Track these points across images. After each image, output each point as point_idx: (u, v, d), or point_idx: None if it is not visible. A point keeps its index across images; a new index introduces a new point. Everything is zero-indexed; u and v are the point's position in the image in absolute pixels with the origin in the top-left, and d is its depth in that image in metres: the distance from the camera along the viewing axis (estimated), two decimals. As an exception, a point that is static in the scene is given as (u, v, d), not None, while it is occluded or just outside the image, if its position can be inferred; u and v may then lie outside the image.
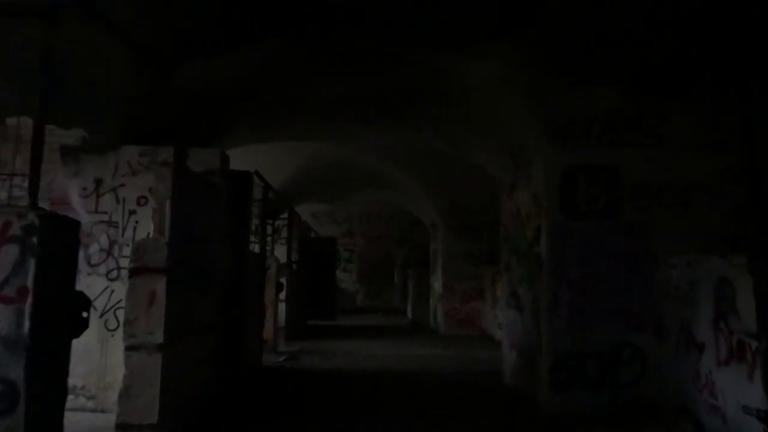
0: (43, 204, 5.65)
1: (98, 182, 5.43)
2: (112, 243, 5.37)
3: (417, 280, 16.69)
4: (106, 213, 5.41)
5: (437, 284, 13.56)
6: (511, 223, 6.98)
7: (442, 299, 13.02)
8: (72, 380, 5.44)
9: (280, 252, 12.11)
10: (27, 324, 2.84)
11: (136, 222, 5.36)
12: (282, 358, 8.92)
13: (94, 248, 5.36)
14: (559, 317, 5.56)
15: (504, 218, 7.36)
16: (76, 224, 3.45)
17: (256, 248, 8.59)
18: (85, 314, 3.36)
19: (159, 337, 4.10)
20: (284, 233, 12.64)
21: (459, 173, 11.82)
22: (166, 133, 5.72)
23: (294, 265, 12.54)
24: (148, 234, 4.35)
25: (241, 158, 8.04)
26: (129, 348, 4.09)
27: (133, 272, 4.17)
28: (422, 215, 15.06)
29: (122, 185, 5.42)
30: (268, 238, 12.52)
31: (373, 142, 10.09)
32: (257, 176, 7.54)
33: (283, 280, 11.42)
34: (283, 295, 11.52)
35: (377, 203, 18.24)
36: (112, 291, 5.28)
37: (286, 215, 12.54)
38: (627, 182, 5.70)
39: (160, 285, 4.14)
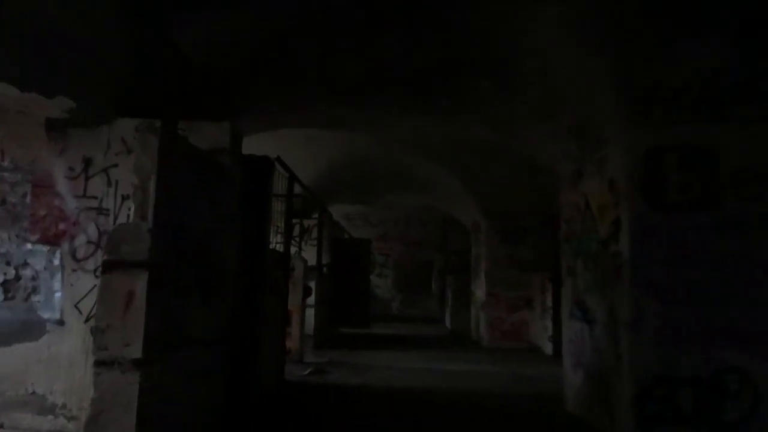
0: (24, 187, 4.92)
1: (87, 162, 4.58)
2: (101, 234, 4.50)
3: (456, 288, 15.60)
4: (95, 198, 4.55)
5: (480, 292, 12.44)
6: (576, 219, 5.87)
7: (485, 308, 11.88)
8: (52, 397, 4.67)
9: (310, 254, 11.22)
10: None
11: (130, 209, 4.49)
12: (307, 371, 7.99)
13: (80, 240, 4.50)
14: (643, 333, 4.44)
15: (566, 214, 6.25)
16: None
17: (280, 248, 7.72)
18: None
19: (137, 350, 3.19)
20: (314, 234, 11.77)
21: (504, 169, 10.72)
22: (170, 108, 4.87)
23: (324, 268, 11.64)
24: (128, 217, 3.46)
25: (261, 149, 7.17)
26: (99, 364, 3.20)
27: (107, 267, 3.28)
28: (463, 217, 13.96)
29: (115, 165, 4.55)
30: (296, 238, 11.68)
31: (408, 134, 9.10)
32: (279, 164, 6.65)
33: (311, 283, 10.53)
34: (311, 300, 10.64)
35: (414, 207, 17.23)
36: (102, 291, 4.42)
37: (316, 216, 11.68)
38: (729, 167, 4.55)
39: (140, 283, 3.23)
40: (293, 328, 8.90)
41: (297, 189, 8.57)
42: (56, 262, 4.49)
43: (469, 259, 17.37)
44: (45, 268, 4.46)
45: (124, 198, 4.52)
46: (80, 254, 4.51)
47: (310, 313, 10.53)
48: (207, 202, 4.28)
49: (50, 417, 4.45)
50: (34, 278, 4.47)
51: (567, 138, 5.71)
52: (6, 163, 4.64)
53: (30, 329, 4.35)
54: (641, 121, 4.55)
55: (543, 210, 11.60)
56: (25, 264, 4.48)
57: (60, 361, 4.44)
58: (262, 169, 6.09)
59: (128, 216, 4.46)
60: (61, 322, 4.33)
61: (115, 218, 4.54)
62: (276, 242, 8.15)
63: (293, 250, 11.28)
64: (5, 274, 4.46)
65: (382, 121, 8.30)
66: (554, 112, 5.61)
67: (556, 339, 10.30)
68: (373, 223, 18.89)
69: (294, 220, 12.18)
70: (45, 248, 4.49)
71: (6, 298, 4.43)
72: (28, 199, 4.61)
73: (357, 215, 18.47)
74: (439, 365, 9.06)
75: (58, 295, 4.41)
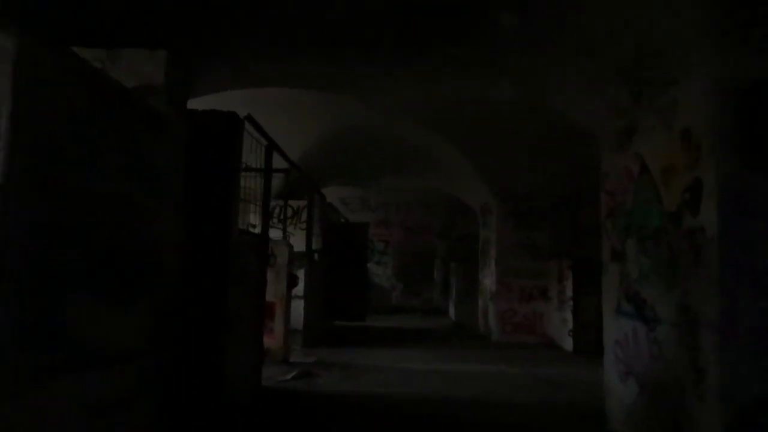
0: None
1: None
2: None
3: (461, 277, 14.40)
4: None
5: (488, 280, 11.20)
6: (625, 189, 4.60)
7: (495, 299, 10.65)
8: None
9: (301, 239, 9.98)
10: None
11: None
12: (291, 375, 6.76)
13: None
14: (739, 340, 3.19)
15: (609, 184, 4.97)
16: None
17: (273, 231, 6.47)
18: None
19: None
20: (305, 216, 10.53)
21: (520, 142, 9.44)
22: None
23: (315, 255, 10.39)
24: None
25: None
26: None
27: None
28: (471, 199, 12.68)
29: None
30: (281, 221, 10.44)
31: (408, 98, 7.80)
32: (251, 124, 5.36)
33: (299, 272, 9.30)
34: (299, 291, 9.40)
35: (415, 189, 15.93)
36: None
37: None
38: None
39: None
40: (276, 323, 7.68)
41: (281, 165, 7.31)
42: None
43: (475, 245, 16.13)
44: None
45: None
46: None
47: (297, 305, 9.30)
48: (128, 161, 3.02)
49: None
50: None
51: (615, 83, 4.43)
52: None
53: None
54: (737, 43, 3.26)
55: (561, 190, 10.34)
56: None
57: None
58: (227, 130, 4.82)
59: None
60: None
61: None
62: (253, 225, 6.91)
63: (279, 234, 10.05)
64: None
65: (381, 81, 6.99)
66: (600, 47, 4.32)
67: (578, 334, 9.09)
68: (372, 208, 17.61)
69: (281, 202, 10.96)
70: None
71: None
72: None
73: (354, 199, 17.20)
74: (445, 365, 7.84)
75: None
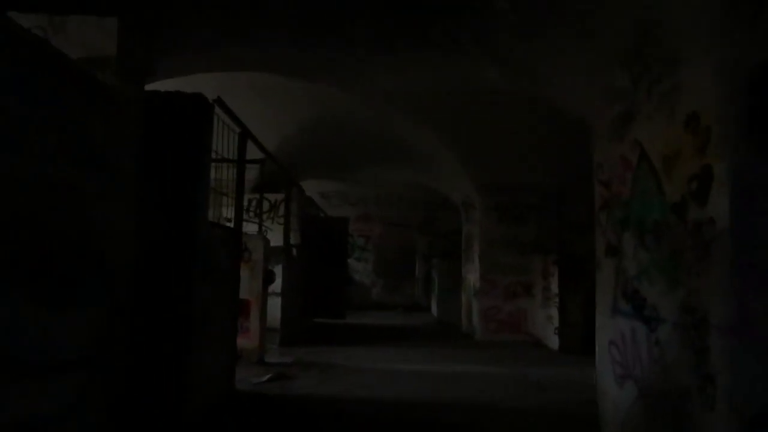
0: None
1: None
2: None
3: (444, 273, 14.14)
4: None
5: (472, 276, 10.93)
6: (620, 180, 4.31)
7: (478, 295, 10.38)
8: None
9: (277, 234, 9.59)
10: None
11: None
12: (266, 377, 6.39)
13: None
14: (753, 343, 2.92)
15: (604, 175, 4.69)
16: None
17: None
18: None
19: None
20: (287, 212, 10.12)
21: (505, 133, 9.17)
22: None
23: (294, 250, 10.01)
24: None
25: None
26: None
27: None
28: (453, 192, 12.38)
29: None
30: (256, 213, 10.06)
31: (391, 87, 7.45)
32: (221, 107, 4.96)
33: (276, 268, 8.93)
34: (276, 288, 9.03)
35: (396, 183, 15.61)
36: None
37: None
38: None
39: None
40: (251, 322, 7.30)
41: (257, 156, 6.92)
42: None
43: (457, 241, 15.90)
44: None
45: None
46: None
47: (274, 303, 8.93)
48: (66, 140, 2.62)
49: None
50: None
51: (615, 66, 4.13)
52: None
53: None
54: (749, 20, 2.98)
55: (546, 184, 10.10)
56: None
57: None
58: (195, 113, 4.43)
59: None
60: None
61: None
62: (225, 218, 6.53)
63: (256, 228, 9.66)
64: None
65: (357, 67, 6.63)
66: (599, 28, 4.02)
67: (564, 332, 8.86)
68: (352, 202, 17.24)
69: (257, 195, 10.55)
70: None
71: None
72: None
73: (333, 193, 16.82)
74: (429, 365, 7.53)
75: None
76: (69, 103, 2.58)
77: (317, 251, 11.08)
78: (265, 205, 10.59)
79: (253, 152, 7.25)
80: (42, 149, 2.34)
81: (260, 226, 7.61)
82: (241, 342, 7.20)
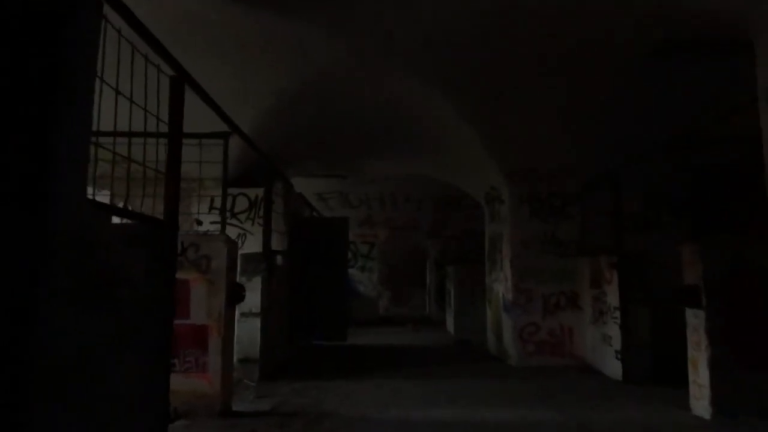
0: None
1: None
2: None
3: (460, 282, 12.12)
4: None
5: (501, 286, 8.87)
6: None
7: (511, 310, 8.32)
8: None
9: (260, 238, 7.60)
10: None
11: None
12: (225, 442, 4.36)
13: None
14: None
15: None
16: None
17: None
18: None
19: None
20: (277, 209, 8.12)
21: (541, 104, 7.18)
22: None
23: (278, 258, 8.01)
24: None
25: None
26: None
27: None
28: (472, 185, 10.32)
29: None
30: (233, 214, 8.14)
31: (401, 35, 5.51)
32: (122, 14, 2.96)
33: (254, 280, 6.96)
34: (257, 306, 7.04)
35: (403, 179, 13.62)
36: None
37: (281, 186, 8.02)
38: None
39: None
40: (210, 357, 5.26)
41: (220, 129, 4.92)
42: None
43: (474, 244, 13.89)
44: None
45: None
46: None
47: (251, 325, 6.94)
48: None
49: None
50: None
51: None
52: None
53: None
54: None
55: (594, 167, 8.05)
56: None
57: None
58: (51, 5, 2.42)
59: None
60: None
61: None
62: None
63: (236, 230, 7.70)
64: None
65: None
66: None
67: (629, 356, 6.81)
68: (353, 204, 15.21)
69: (234, 190, 8.59)
70: None
71: None
72: None
73: (332, 194, 14.82)
74: (456, 410, 5.47)
75: None
76: None
77: (310, 258, 9.06)
78: (245, 203, 8.62)
79: (213, 124, 5.29)
80: None
81: (223, 224, 5.61)
82: (196, 386, 5.20)
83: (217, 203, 8.78)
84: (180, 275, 5.33)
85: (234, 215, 8.58)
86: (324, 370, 7.67)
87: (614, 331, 7.06)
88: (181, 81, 3.99)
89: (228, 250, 5.46)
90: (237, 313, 7.19)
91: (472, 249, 14.06)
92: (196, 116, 4.45)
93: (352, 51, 5.90)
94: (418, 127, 8.19)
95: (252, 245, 8.10)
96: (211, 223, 8.13)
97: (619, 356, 6.91)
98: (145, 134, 3.43)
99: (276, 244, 8.24)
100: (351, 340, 10.28)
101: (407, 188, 14.68)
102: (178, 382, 5.11)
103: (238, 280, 7.13)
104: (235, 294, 5.52)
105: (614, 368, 7.03)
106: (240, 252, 7.62)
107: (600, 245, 7.75)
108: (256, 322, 7.06)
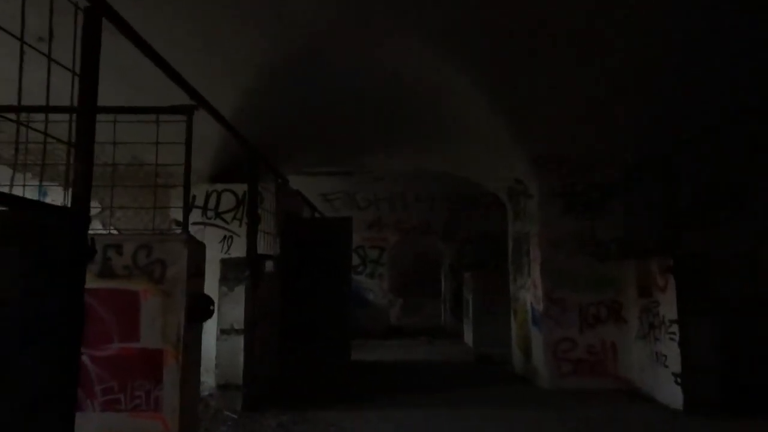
0: None
1: None
2: None
3: (480, 290, 10.90)
4: None
5: (529, 295, 7.63)
6: None
7: (541, 323, 7.08)
8: None
9: (245, 241, 6.44)
10: None
11: None
12: None
13: None
14: None
15: None
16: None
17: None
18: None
19: None
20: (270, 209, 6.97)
21: (576, 81, 5.98)
22: None
23: (267, 264, 6.85)
24: None
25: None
26: None
27: None
28: (492, 178, 9.05)
29: None
30: (214, 214, 7.07)
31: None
32: None
33: (238, 290, 5.84)
34: (239, 322, 5.91)
35: (414, 176, 12.37)
36: None
37: (277, 180, 6.86)
38: None
39: None
40: (164, 391, 4.09)
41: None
42: None
43: (491, 247, 12.71)
44: None
45: None
46: None
47: (233, 344, 5.80)
48: None
49: None
50: None
51: None
52: None
53: None
54: None
55: (639, 153, 6.81)
56: None
57: None
58: None
59: None
60: None
61: None
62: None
63: (221, 232, 6.66)
64: None
65: None
66: None
67: (690, 381, 5.55)
68: (361, 205, 14.03)
69: (218, 186, 7.50)
70: None
71: None
72: None
73: (338, 194, 13.64)
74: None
75: None
76: None
77: (307, 264, 7.89)
78: (231, 201, 7.50)
79: (175, 97, 4.15)
80: None
81: (184, 223, 4.43)
82: (147, 429, 4.03)
83: (200, 201, 7.70)
84: (125, 285, 4.20)
85: (218, 215, 7.47)
86: (320, 396, 6.48)
87: (670, 349, 5.80)
88: (98, 15, 2.86)
89: (190, 253, 4.29)
90: (216, 330, 6.08)
91: (491, 252, 12.86)
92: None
93: (348, 4, 4.73)
94: (428, 109, 7.00)
95: (239, 249, 7.00)
96: (193, 224, 7.05)
97: (678, 380, 5.64)
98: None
99: (266, 247, 7.10)
100: (357, 354, 9.12)
101: (417, 186, 13.45)
102: (122, 423, 3.99)
103: (218, 290, 6.01)
104: (199, 308, 4.35)
105: (671, 395, 5.75)
106: (222, 257, 6.51)
107: (649, 245, 6.49)
108: (239, 341, 5.89)
